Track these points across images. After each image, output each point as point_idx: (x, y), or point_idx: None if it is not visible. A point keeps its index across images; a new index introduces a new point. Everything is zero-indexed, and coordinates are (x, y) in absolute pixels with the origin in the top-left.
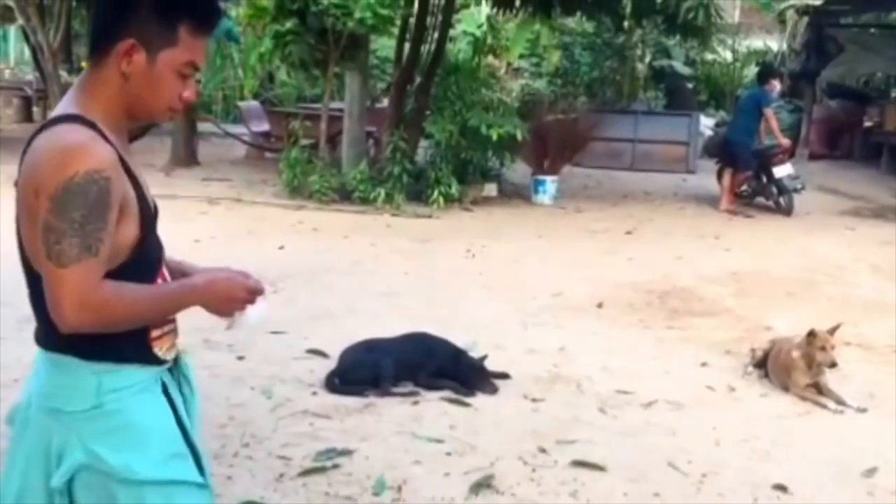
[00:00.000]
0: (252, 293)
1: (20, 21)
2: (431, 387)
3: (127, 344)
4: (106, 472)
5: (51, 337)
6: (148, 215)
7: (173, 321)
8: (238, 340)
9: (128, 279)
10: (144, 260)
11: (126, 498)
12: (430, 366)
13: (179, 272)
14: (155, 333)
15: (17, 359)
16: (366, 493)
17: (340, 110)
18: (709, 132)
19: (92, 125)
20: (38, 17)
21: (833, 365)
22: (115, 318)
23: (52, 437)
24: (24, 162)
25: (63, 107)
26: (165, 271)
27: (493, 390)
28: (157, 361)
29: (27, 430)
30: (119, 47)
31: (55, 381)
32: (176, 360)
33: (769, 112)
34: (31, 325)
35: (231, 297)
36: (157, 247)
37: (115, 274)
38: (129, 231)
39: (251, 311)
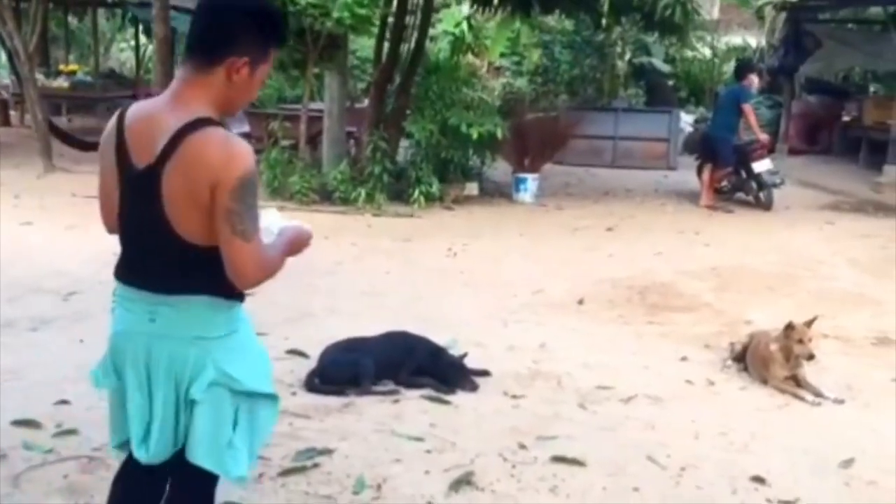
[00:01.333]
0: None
1: None
2: (412, 385)
3: (237, 288)
4: (230, 385)
5: (187, 283)
6: None
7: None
8: None
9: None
10: None
11: (244, 406)
12: (411, 364)
13: None
14: None
15: None
16: (345, 491)
17: (320, 111)
18: (689, 129)
19: (221, 125)
20: (13, 21)
21: (811, 357)
22: (273, 272)
23: (188, 360)
24: (182, 156)
25: (184, 107)
26: None
27: (474, 388)
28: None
29: (145, 363)
30: (233, 61)
31: (194, 316)
32: None
33: (748, 108)
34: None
35: (306, 242)
36: None
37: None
38: None
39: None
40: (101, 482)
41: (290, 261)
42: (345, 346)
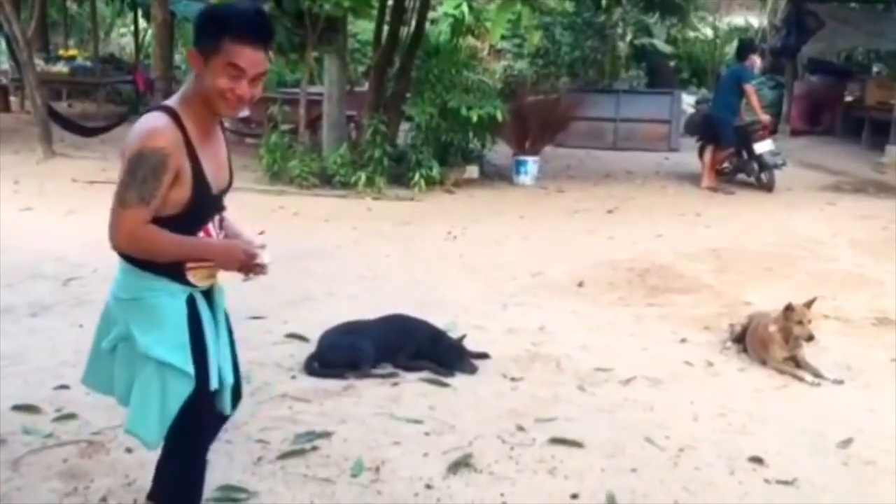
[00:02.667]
0: (250, 256)
1: None
2: (410, 368)
3: (164, 265)
4: (135, 346)
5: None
6: (200, 187)
7: (209, 265)
8: None
9: (177, 224)
10: (191, 215)
11: (145, 368)
12: (410, 347)
13: (232, 233)
14: (190, 265)
15: None
16: (344, 474)
17: (320, 94)
18: (690, 110)
19: (173, 114)
20: (11, 6)
21: (810, 338)
22: (150, 251)
23: (112, 315)
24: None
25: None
26: (212, 229)
27: (473, 370)
28: (188, 283)
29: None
30: (189, 54)
31: (118, 278)
32: (211, 292)
33: (750, 88)
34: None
35: (234, 257)
36: (209, 210)
37: (169, 219)
38: (181, 194)
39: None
40: (101, 465)
41: (288, 245)
42: (344, 330)
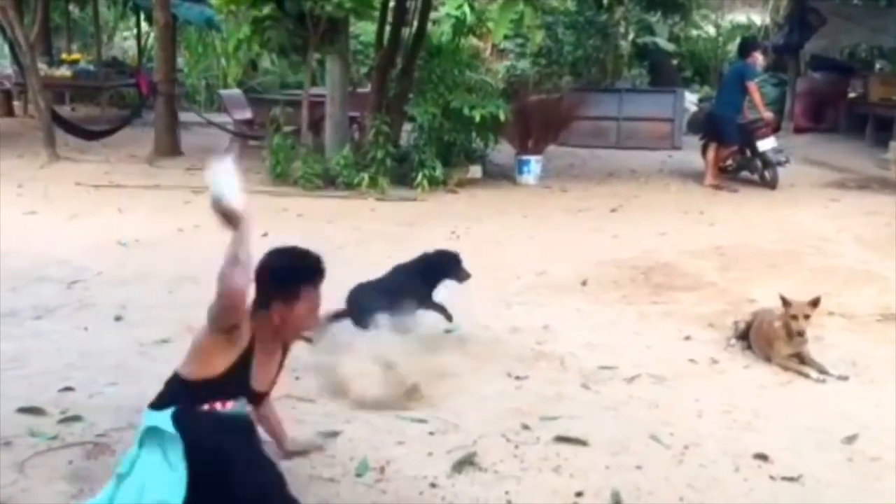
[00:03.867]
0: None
1: None
2: (431, 308)
3: None
4: None
5: None
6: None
7: None
8: None
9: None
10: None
11: None
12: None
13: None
14: None
15: None
16: (348, 474)
17: (322, 96)
18: (693, 108)
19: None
20: (14, 11)
21: (801, 334)
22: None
23: None
24: None
25: None
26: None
27: (467, 276)
28: None
29: None
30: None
31: None
32: None
33: (753, 85)
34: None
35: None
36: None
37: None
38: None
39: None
40: (106, 467)
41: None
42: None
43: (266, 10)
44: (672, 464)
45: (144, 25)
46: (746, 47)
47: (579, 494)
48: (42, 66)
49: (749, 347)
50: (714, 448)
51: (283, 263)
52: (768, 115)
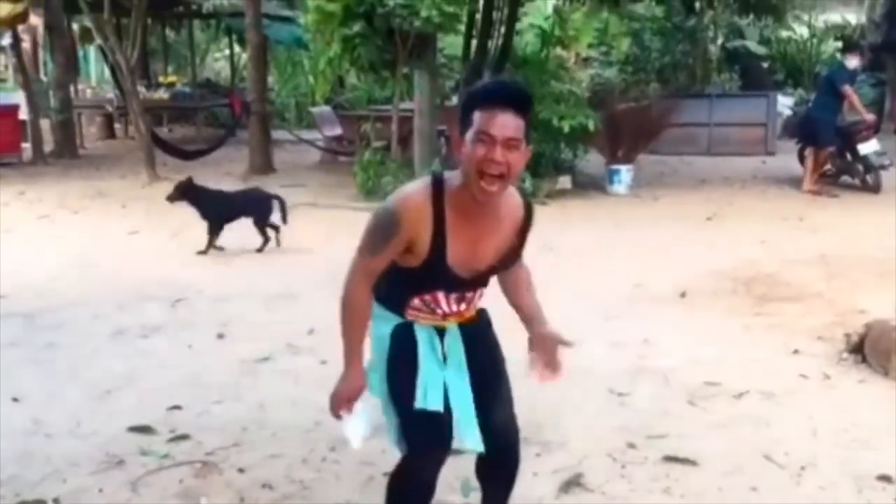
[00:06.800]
0: (332, 408)
1: (98, 41)
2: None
3: (390, 304)
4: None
5: None
6: (434, 263)
7: (434, 314)
8: (321, 345)
9: (405, 278)
10: (418, 280)
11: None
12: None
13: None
14: (410, 311)
15: (109, 371)
16: (454, 493)
17: (410, 110)
18: (787, 112)
19: (438, 187)
20: (115, 37)
21: None
22: (347, 302)
23: None
24: None
25: None
26: (442, 298)
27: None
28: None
29: None
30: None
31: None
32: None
33: (847, 89)
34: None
35: (334, 397)
36: (439, 284)
37: (399, 272)
38: (411, 261)
39: (349, 419)
40: (215, 486)
41: None
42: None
43: (356, 27)
44: (789, 485)
45: (236, 46)
46: (842, 49)
47: None
48: (141, 90)
49: (863, 361)
50: (832, 469)
51: (465, 92)
52: (870, 116)
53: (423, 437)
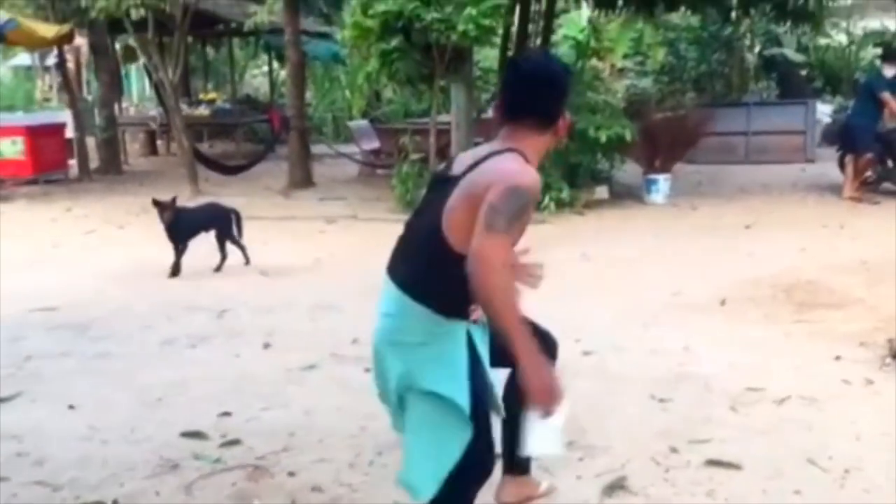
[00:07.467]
0: (552, 401)
1: (141, 60)
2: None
3: (452, 308)
4: (417, 388)
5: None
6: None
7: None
8: (365, 353)
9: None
10: None
11: (424, 410)
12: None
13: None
14: (472, 311)
15: (159, 379)
16: None
17: (447, 123)
18: (826, 119)
19: (527, 160)
20: (158, 55)
21: None
22: (504, 287)
23: (387, 361)
24: (479, 169)
25: (501, 145)
26: None
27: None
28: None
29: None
30: (562, 122)
31: (398, 322)
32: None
33: (885, 95)
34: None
35: (549, 392)
36: None
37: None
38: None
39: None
40: (268, 489)
41: None
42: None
43: (394, 42)
44: (833, 489)
45: (274, 63)
46: (883, 56)
47: None
48: (183, 107)
49: None
50: (877, 473)
51: None
52: None
53: (486, 461)
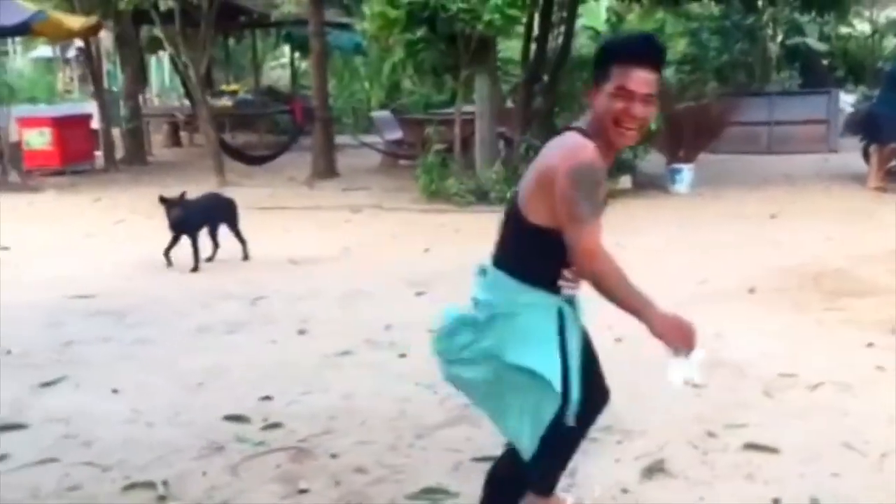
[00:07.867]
0: (689, 340)
1: (167, 51)
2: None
3: (543, 282)
4: (503, 359)
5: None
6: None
7: (577, 283)
8: (399, 339)
9: (553, 250)
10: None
11: (515, 381)
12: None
13: None
14: (563, 285)
15: (199, 364)
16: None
17: (471, 113)
18: (849, 108)
19: (587, 136)
20: (185, 47)
21: None
22: (606, 271)
23: (478, 325)
24: (544, 151)
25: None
26: None
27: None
28: (559, 294)
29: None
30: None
31: (488, 295)
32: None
33: None
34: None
35: (684, 333)
36: None
37: (551, 244)
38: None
39: (691, 356)
40: (311, 470)
41: (454, 261)
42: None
43: (419, 33)
44: (871, 472)
45: (295, 54)
46: None
47: (776, 502)
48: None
49: None
50: None
51: (601, 44)
52: None
53: (574, 430)
